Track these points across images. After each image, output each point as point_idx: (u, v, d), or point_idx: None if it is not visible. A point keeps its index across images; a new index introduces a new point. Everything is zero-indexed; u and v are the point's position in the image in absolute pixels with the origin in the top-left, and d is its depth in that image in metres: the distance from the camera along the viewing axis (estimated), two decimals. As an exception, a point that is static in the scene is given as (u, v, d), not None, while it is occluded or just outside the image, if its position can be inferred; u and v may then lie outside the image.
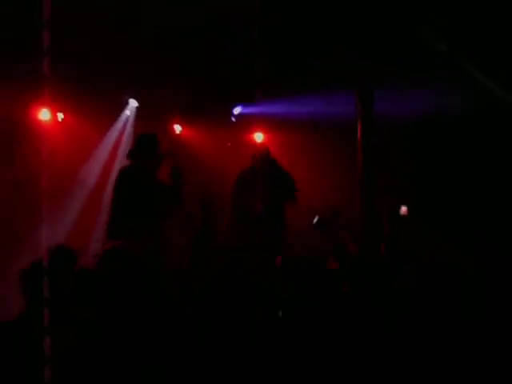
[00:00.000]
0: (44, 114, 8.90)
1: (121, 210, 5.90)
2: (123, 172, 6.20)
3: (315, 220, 7.01)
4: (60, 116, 9.32)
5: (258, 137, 10.85)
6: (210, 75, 9.19)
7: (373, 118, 7.90)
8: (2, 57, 7.73)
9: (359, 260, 5.07)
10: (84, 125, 9.47)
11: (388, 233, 5.38)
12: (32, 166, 7.73)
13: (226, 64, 8.90)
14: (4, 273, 6.71)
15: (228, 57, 8.63)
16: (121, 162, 9.44)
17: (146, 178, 6.11)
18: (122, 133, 9.90)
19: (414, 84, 8.26)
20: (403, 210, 6.56)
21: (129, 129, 9.89)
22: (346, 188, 8.31)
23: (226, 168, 9.75)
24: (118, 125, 9.91)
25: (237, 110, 10.39)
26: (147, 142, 6.30)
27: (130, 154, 6.33)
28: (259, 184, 7.81)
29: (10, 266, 5.96)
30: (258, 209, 7.72)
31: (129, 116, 9.97)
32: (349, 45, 7.69)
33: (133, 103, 9.94)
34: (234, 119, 10.46)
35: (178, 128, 10.39)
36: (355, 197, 7.45)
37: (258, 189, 7.78)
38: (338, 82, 8.27)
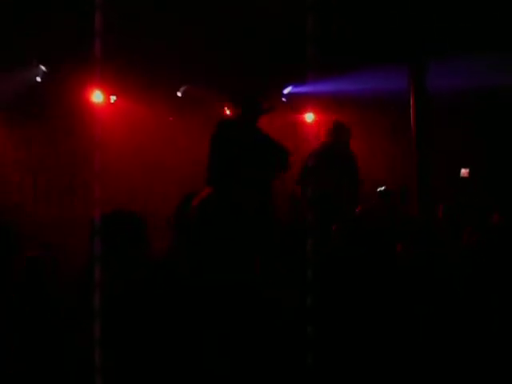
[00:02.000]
0: (97, 97, 9.00)
1: (222, 163, 5.62)
2: (222, 123, 5.76)
3: (382, 189, 7.15)
4: (112, 98, 9.42)
5: (309, 117, 10.82)
6: (261, 56, 9.17)
7: (427, 92, 7.79)
8: (57, 40, 7.86)
9: (416, 222, 5.00)
10: (136, 107, 9.57)
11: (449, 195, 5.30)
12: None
13: (276, 44, 8.88)
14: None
15: (278, 37, 8.60)
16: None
17: (249, 129, 5.66)
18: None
19: (470, 56, 8.09)
20: (463, 172, 6.50)
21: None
22: (402, 163, 8.21)
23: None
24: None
25: (287, 90, 10.35)
26: (247, 93, 5.83)
27: (231, 105, 5.80)
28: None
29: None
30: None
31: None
32: (401, 16, 7.58)
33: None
34: (284, 99, 10.42)
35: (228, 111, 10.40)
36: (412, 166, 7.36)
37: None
38: (390, 55, 8.15)
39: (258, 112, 5.69)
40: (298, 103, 10.43)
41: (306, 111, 10.69)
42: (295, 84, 10.22)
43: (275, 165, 5.71)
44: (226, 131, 5.59)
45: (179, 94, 10.07)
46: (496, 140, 8.57)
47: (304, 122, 10.76)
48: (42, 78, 8.90)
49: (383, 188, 7.00)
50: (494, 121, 8.76)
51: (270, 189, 5.64)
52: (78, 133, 8.63)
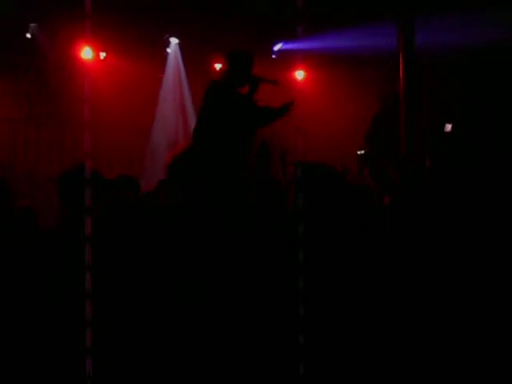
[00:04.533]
0: (86, 53, 8.97)
1: (210, 122, 5.65)
2: (215, 83, 5.89)
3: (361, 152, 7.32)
4: (102, 55, 9.41)
5: (299, 74, 10.80)
6: (251, 12, 9.15)
7: (415, 49, 7.81)
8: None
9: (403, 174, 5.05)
10: (126, 63, 9.56)
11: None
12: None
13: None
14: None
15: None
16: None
17: (238, 94, 5.79)
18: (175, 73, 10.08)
19: (462, 12, 8.08)
20: (448, 127, 6.64)
21: (179, 67, 10.04)
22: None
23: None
24: (169, 69, 10.06)
25: (277, 47, 10.32)
26: (241, 61, 5.84)
27: (224, 72, 5.97)
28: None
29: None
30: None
31: (172, 55, 10.05)
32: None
33: (174, 41, 9.98)
34: (274, 56, 10.40)
35: (218, 66, 10.37)
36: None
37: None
38: (378, 12, 8.15)
39: (246, 75, 5.75)
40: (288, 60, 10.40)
41: (296, 68, 10.67)
42: (286, 41, 10.19)
43: (256, 122, 5.84)
44: (213, 92, 5.71)
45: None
46: (483, 97, 8.62)
47: (294, 80, 10.75)
48: (31, 35, 8.90)
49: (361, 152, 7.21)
50: (482, 78, 8.79)
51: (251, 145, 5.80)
52: (68, 89, 8.63)
